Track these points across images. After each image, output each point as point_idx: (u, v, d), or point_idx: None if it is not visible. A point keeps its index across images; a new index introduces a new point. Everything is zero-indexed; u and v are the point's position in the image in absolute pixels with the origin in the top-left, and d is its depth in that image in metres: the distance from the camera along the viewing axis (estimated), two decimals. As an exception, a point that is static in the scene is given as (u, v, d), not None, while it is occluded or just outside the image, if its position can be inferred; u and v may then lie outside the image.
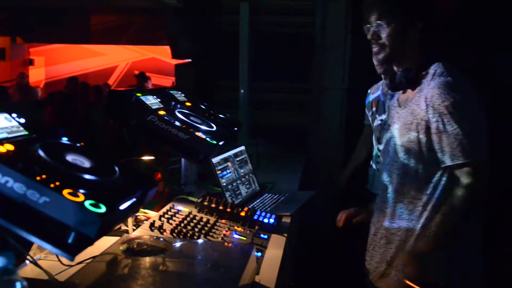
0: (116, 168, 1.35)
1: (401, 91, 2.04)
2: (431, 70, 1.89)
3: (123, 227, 1.92)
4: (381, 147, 2.15)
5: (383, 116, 2.93)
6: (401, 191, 1.96)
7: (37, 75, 11.70)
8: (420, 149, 1.87)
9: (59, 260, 1.54)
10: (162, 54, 11.15)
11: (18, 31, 10.61)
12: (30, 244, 1.51)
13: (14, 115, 1.37)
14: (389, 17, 1.86)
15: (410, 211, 1.94)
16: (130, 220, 1.88)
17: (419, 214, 1.91)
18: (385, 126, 2.11)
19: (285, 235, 2.07)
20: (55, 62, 12.04)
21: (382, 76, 2.11)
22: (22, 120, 1.38)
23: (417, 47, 1.91)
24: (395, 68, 1.97)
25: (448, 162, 1.81)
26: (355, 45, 4.69)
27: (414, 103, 1.90)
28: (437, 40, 1.92)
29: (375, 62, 1.97)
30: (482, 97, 1.84)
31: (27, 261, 1.49)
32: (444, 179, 1.86)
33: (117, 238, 1.63)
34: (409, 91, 1.98)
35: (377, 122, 3.08)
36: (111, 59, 12.17)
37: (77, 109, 6.61)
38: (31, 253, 1.56)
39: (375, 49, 1.94)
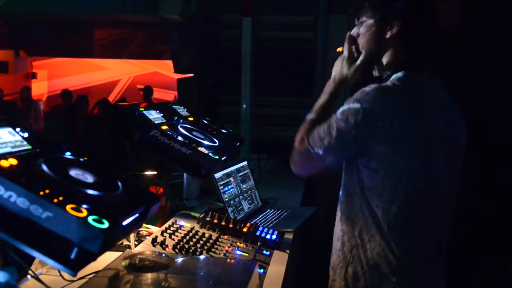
0: (119, 183, 1.35)
1: None
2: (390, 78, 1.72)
3: (125, 242, 1.91)
4: None
5: None
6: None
7: (40, 89, 11.74)
8: None
9: (61, 275, 1.53)
10: (164, 68, 11.19)
11: (21, 44, 10.66)
12: (32, 259, 1.51)
13: (17, 129, 1.37)
14: (367, 14, 1.76)
15: None
16: (132, 236, 1.88)
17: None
18: None
19: (288, 251, 2.06)
20: (57, 76, 12.08)
21: None
22: (26, 135, 1.38)
23: (393, 52, 1.74)
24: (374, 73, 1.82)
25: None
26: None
27: None
28: (419, 48, 1.74)
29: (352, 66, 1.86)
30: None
31: (28, 276, 1.49)
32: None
33: (119, 253, 1.62)
34: None
35: None
36: (114, 73, 12.22)
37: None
38: (32, 267, 1.55)
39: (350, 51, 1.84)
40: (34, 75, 11.86)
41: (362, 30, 1.79)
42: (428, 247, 1.70)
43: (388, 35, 1.72)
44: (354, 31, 1.85)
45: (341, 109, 1.63)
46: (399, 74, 1.71)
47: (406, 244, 1.64)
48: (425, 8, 1.74)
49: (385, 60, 1.75)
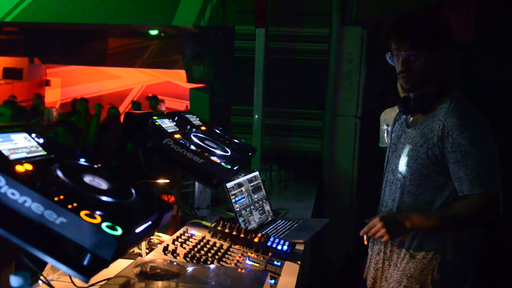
0: (133, 191, 1.35)
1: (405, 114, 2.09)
2: (448, 98, 1.90)
3: (137, 250, 1.91)
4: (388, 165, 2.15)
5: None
6: (400, 210, 1.98)
7: (53, 96, 11.85)
8: (427, 172, 1.89)
9: (72, 282, 1.53)
10: (177, 78, 11.25)
11: (36, 52, 10.79)
12: (44, 264, 1.51)
13: (33, 135, 1.37)
14: (421, 46, 1.88)
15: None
16: (143, 243, 1.88)
17: (413, 235, 1.94)
18: (391, 145, 2.12)
19: (299, 262, 2.05)
20: (71, 84, 12.19)
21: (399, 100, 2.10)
22: (41, 140, 1.38)
23: (441, 75, 1.94)
24: (401, 91, 2.03)
25: (466, 191, 1.82)
26: (370, 72, 4.71)
27: (427, 126, 1.91)
28: (454, 67, 1.96)
29: (402, 89, 1.98)
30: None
31: (40, 281, 1.49)
32: (443, 202, 1.90)
33: (131, 261, 1.62)
34: (419, 114, 2.00)
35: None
36: (126, 81, 12.30)
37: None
38: (44, 273, 1.55)
39: (403, 77, 1.93)
40: (47, 83, 11.98)
41: (417, 61, 1.93)
42: None
43: (439, 63, 1.92)
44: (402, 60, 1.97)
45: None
46: (455, 94, 1.93)
47: None
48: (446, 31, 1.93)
49: (434, 82, 1.95)
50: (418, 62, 1.89)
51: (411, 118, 2.05)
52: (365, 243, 2.00)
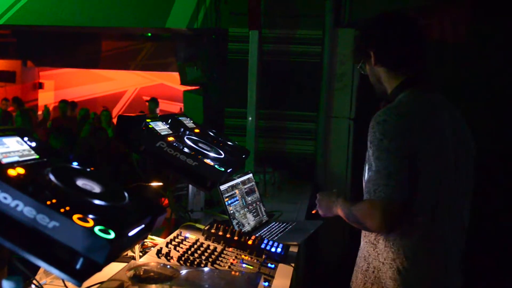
0: (126, 194, 1.35)
1: None
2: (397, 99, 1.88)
3: (130, 253, 1.90)
4: None
5: None
6: None
7: (46, 99, 11.81)
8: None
9: (65, 285, 1.52)
10: (170, 80, 11.24)
11: (29, 55, 10.75)
12: (37, 268, 1.50)
13: (25, 138, 1.37)
14: (356, 57, 2.01)
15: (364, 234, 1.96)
16: (137, 247, 1.87)
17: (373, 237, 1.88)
18: None
19: (293, 264, 2.05)
20: (64, 86, 12.16)
21: None
22: (33, 144, 1.38)
23: (387, 76, 1.93)
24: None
25: (365, 195, 1.76)
26: (363, 74, 4.72)
27: None
28: (409, 67, 1.90)
29: None
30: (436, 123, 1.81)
31: (33, 286, 1.48)
32: None
33: (124, 264, 1.62)
34: None
35: None
36: (120, 84, 12.28)
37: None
38: (37, 277, 1.55)
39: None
40: (41, 85, 11.94)
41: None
42: None
43: (373, 64, 1.93)
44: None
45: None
46: (403, 93, 1.87)
47: None
48: (398, 30, 1.88)
49: (386, 84, 1.94)
50: (368, 72, 1.98)
51: None
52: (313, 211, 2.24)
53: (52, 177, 1.21)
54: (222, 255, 1.99)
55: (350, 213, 1.85)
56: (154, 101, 9.17)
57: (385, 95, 1.95)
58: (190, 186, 2.67)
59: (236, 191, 2.64)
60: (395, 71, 1.90)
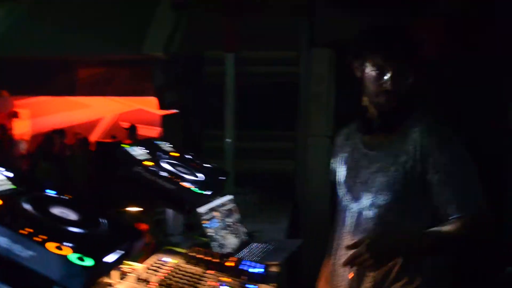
0: (103, 220, 1.35)
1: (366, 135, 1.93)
2: (419, 117, 1.81)
3: (108, 280, 1.88)
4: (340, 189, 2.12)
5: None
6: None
7: (22, 128, 11.67)
8: (406, 198, 1.77)
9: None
10: (149, 105, 11.21)
11: (3, 84, 10.64)
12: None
13: (2, 169, 1.36)
14: (410, 62, 1.78)
15: None
16: (115, 273, 1.85)
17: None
18: (348, 170, 1.99)
19: (274, 284, 2.05)
20: (40, 114, 12.03)
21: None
22: (10, 174, 1.37)
23: (410, 91, 1.80)
24: (375, 111, 1.86)
25: (456, 213, 1.69)
26: (339, 92, 4.78)
27: (398, 148, 1.78)
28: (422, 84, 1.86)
29: (379, 108, 1.84)
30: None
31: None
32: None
33: (103, 291, 1.60)
34: (381, 134, 1.87)
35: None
36: (97, 111, 12.21)
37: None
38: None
39: (387, 95, 1.78)
40: (16, 114, 11.79)
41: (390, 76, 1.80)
42: None
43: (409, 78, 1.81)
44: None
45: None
46: (424, 113, 1.84)
47: None
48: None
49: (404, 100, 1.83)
50: (405, 79, 1.77)
51: (370, 140, 1.91)
52: (350, 276, 1.83)
53: (27, 206, 1.21)
54: (203, 278, 1.98)
55: (448, 237, 1.68)
56: (132, 128, 9.17)
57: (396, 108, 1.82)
58: (169, 209, 2.66)
59: (216, 213, 2.64)
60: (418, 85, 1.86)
